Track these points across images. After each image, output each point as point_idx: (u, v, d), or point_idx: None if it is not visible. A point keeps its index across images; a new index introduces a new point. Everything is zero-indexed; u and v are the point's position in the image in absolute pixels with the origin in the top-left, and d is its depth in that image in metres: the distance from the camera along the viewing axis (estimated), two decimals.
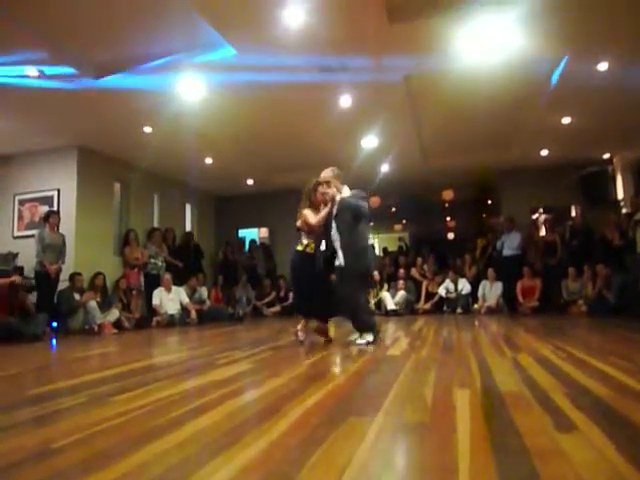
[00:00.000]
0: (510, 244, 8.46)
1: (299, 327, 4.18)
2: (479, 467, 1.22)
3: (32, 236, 6.61)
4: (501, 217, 9.34)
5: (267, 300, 9.53)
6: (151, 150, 7.40)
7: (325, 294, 4.10)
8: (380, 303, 8.72)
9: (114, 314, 6.69)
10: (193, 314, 7.59)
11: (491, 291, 8.36)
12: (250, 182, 9.85)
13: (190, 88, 5.39)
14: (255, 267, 10.11)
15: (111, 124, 6.55)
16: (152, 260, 7.93)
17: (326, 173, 4.25)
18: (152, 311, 7.39)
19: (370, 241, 4.26)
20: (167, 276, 7.69)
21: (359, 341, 3.92)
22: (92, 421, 1.74)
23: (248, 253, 10.39)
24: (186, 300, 7.69)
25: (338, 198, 4.03)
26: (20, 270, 6.46)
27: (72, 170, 7.29)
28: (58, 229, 6.56)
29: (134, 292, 7.42)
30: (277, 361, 3.29)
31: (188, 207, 10.27)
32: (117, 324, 6.63)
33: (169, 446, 1.45)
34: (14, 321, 5.32)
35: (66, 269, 6.57)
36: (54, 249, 6.35)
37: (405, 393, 2.11)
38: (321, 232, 4.16)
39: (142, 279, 7.88)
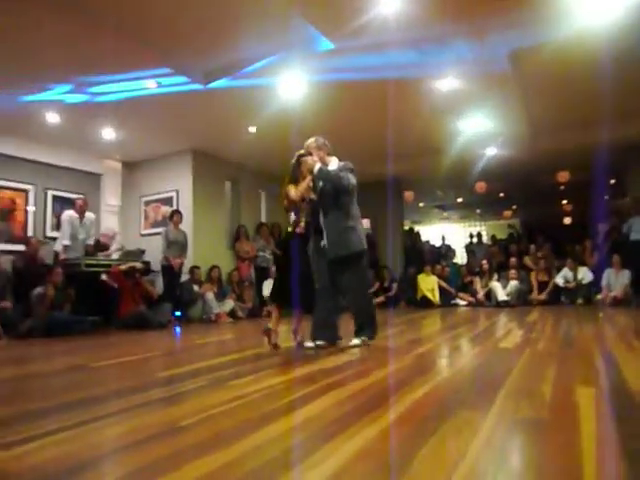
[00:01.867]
0: (639, 227, 7.59)
1: (270, 325, 3.58)
2: (608, 474, 1.12)
3: (156, 234, 7.33)
4: (627, 198, 8.41)
5: (371, 290, 9.54)
6: (256, 149, 7.76)
7: (310, 281, 3.59)
8: (490, 294, 8.34)
9: (229, 304, 7.16)
10: None
11: (617, 280, 7.58)
12: None
13: (290, 85, 5.54)
14: None
15: (219, 126, 6.96)
16: (261, 253, 8.33)
17: (309, 143, 3.75)
18: (263, 301, 7.78)
19: (359, 221, 3.65)
20: (274, 268, 8.02)
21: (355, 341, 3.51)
22: (212, 403, 1.89)
23: None
24: None
25: (317, 167, 3.55)
26: (147, 265, 7.14)
27: (188, 172, 7.89)
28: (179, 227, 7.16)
29: (246, 283, 7.86)
30: (383, 351, 3.29)
31: None
32: (232, 314, 7.10)
33: (282, 430, 1.53)
34: (145, 310, 5.94)
35: (186, 263, 7.15)
36: (177, 245, 6.95)
37: (520, 388, 2.00)
38: (309, 210, 3.67)
39: (252, 271, 8.33)
